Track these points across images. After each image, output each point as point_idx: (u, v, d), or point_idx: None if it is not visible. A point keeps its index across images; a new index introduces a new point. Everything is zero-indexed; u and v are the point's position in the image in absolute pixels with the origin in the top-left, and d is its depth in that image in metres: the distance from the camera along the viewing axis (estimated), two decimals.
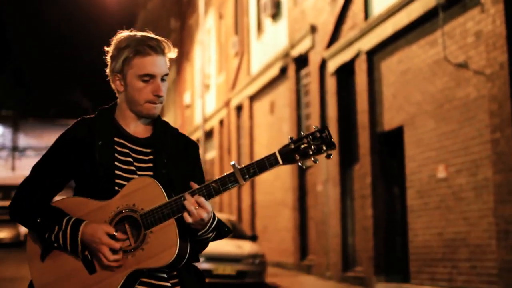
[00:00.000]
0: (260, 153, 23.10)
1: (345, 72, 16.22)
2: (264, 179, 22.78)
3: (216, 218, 3.37)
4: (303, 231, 18.87)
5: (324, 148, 3.22)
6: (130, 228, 3.28)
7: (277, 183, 21.42)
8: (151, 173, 3.39)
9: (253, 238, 17.06)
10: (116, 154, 3.41)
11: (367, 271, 14.56)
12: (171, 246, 3.22)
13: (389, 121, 14.18)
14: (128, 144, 3.44)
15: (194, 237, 3.33)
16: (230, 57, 27.19)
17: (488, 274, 10.85)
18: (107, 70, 3.49)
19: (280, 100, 21.39)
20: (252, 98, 24.13)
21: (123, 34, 3.46)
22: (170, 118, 40.15)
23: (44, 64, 68.72)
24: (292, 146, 3.23)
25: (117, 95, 3.52)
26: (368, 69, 14.84)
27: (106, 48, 3.48)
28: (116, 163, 3.39)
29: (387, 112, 14.24)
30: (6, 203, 43.10)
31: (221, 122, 28.49)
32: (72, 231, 3.28)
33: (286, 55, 20.00)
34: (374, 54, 14.78)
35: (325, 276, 16.76)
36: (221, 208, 27.53)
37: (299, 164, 3.25)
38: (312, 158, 3.24)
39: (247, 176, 3.23)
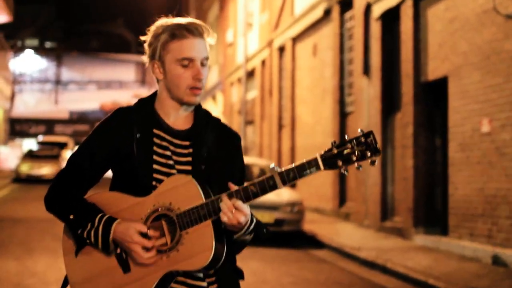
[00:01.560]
0: (302, 96, 22.91)
1: (390, 18, 15.82)
2: (304, 122, 22.62)
3: (255, 220, 3.23)
4: (343, 178, 18.71)
5: (369, 154, 3.02)
6: (167, 226, 3.17)
7: (317, 127, 21.24)
8: (189, 168, 3.26)
9: (292, 184, 16.93)
10: (154, 147, 3.27)
11: (406, 222, 14.40)
12: (206, 249, 3.11)
13: (433, 71, 13.84)
14: (167, 137, 3.29)
15: (231, 238, 3.22)
16: None
17: None
18: (145, 59, 3.33)
19: (323, 42, 21.05)
20: (295, 40, 23.80)
21: (160, 21, 3.30)
22: (212, 55, 39.95)
23: None
24: (335, 151, 3.05)
25: (157, 84, 3.36)
26: (414, 16, 14.45)
27: (143, 38, 3.33)
28: (155, 157, 3.26)
29: (432, 62, 13.89)
30: (49, 137, 43.74)
31: (263, 63, 28.22)
32: (104, 229, 3.18)
33: None
34: (421, 0, 14.36)
35: (363, 224, 16.65)
36: (261, 151, 27.48)
37: (342, 171, 3.07)
38: (356, 165, 3.05)
39: (286, 180, 3.07)
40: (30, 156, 36.34)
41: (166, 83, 3.27)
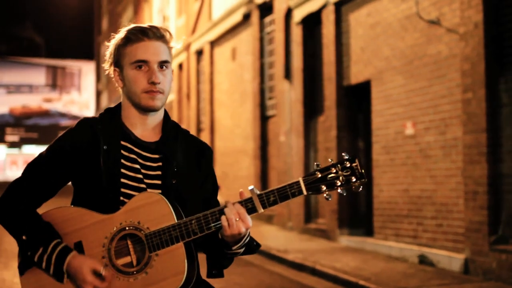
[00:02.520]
0: (221, 99, 22.93)
1: (312, 22, 16.00)
2: (224, 125, 22.65)
3: (248, 233, 3.15)
4: (264, 180, 18.81)
5: (354, 179, 2.99)
6: (133, 247, 3.03)
7: (237, 130, 21.30)
8: (159, 182, 3.14)
9: (216, 180, 16.88)
10: (122, 160, 3.14)
11: (330, 224, 14.59)
12: (177, 273, 2.98)
13: (356, 75, 14.07)
14: (135, 149, 3.17)
15: (223, 251, 3.13)
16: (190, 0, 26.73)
17: (454, 233, 10.92)
18: (106, 65, 3.23)
19: (242, 47, 21.11)
20: (213, 44, 23.79)
21: (123, 28, 3.21)
22: None
23: None
24: (319, 175, 3.00)
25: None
26: (335, 20, 14.64)
27: (108, 42, 3.24)
28: (123, 170, 3.12)
29: (355, 66, 14.12)
30: None
31: (180, 66, 28.12)
32: (58, 260, 3.01)
33: (249, 1, 19.67)
34: (343, 5, 14.57)
35: (286, 226, 16.78)
36: None
37: (325, 196, 3.02)
38: (339, 190, 3.01)
39: (266, 205, 2.99)
40: None
41: (126, 91, 3.16)
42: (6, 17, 60.36)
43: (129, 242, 3.02)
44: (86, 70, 54.42)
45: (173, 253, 2.99)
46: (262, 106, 19.19)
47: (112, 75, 3.22)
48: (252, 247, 3.22)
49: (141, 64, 3.09)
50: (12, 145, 52.49)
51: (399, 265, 11.36)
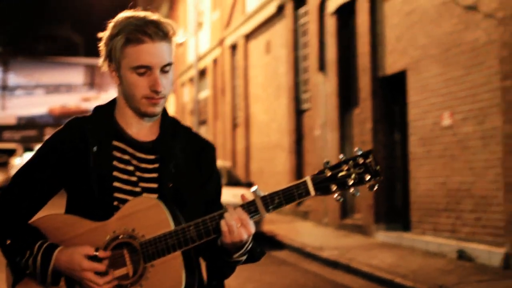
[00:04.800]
0: (255, 94, 22.64)
1: (346, 12, 15.61)
2: (259, 120, 22.38)
3: (252, 240, 2.81)
4: (300, 175, 18.47)
5: (368, 178, 2.65)
6: (129, 256, 2.73)
7: (273, 125, 21.00)
8: (155, 185, 2.83)
9: (249, 185, 16.63)
10: (114, 162, 2.84)
11: (366, 219, 14.20)
12: (174, 285, 2.69)
13: (391, 65, 13.65)
14: (130, 150, 2.86)
15: (224, 259, 2.82)
16: None
17: (494, 227, 10.47)
18: (101, 59, 2.89)
19: (276, 39, 20.80)
20: (247, 37, 23.52)
21: (120, 16, 2.85)
22: None
23: None
24: (328, 174, 2.67)
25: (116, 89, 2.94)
26: (370, 10, 14.24)
27: (100, 34, 2.87)
28: (115, 173, 2.82)
29: (390, 55, 13.70)
30: None
31: (215, 61, 27.89)
32: (44, 258, 2.73)
33: None
34: None
35: (322, 222, 16.43)
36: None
37: (335, 197, 2.68)
38: (352, 189, 2.67)
39: (270, 207, 2.68)
40: None
41: (122, 90, 2.85)
42: (44, 17, 60.86)
43: (125, 252, 2.73)
44: None
45: (170, 263, 2.71)
46: (297, 100, 18.87)
47: (108, 70, 2.89)
48: (256, 254, 2.91)
49: (142, 70, 2.77)
50: None
51: (437, 261, 10.94)
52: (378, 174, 2.65)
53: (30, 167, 2.89)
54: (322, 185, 2.66)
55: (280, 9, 19.86)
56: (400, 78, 13.40)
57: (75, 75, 54.30)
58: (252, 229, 2.70)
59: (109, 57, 2.84)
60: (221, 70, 26.81)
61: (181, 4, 34.97)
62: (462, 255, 10.92)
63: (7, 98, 53.09)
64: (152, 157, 2.86)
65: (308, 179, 2.67)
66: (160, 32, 2.77)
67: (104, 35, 2.85)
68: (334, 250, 12.55)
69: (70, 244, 2.76)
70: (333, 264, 11.83)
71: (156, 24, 2.78)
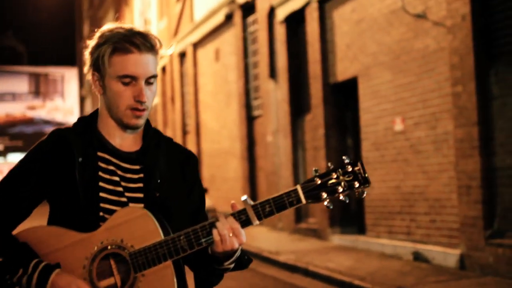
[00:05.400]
0: (206, 101, 22.74)
1: (295, 20, 15.84)
2: (209, 127, 22.47)
3: (240, 247, 2.89)
4: (253, 181, 18.64)
5: (357, 185, 2.73)
6: (116, 267, 2.77)
7: (224, 132, 21.12)
8: (141, 195, 2.87)
9: (203, 190, 16.71)
10: (100, 173, 2.86)
11: (321, 223, 14.44)
12: None
13: (342, 72, 13.92)
14: (114, 160, 2.90)
15: (213, 267, 2.89)
16: (171, 2, 26.51)
17: (448, 229, 10.78)
18: (86, 68, 2.93)
19: (225, 47, 20.93)
20: (196, 45, 23.60)
21: (107, 27, 2.90)
22: None
23: None
24: (318, 182, 2.74)
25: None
26: (319, 18, 14.49)
27: (88, 42, 2.92)
28: (101, 183, 2.85)
29: (340, 63, 13.97)
30: None
31: (164, 69, 27.91)
32: (40, 279, 2.73)
33: (231, 1, 19.48)
34: (326, 2, 14.42)
35: (277, 227, 16.61)
36: None
37: (326, 204, 2.77)
38: (342, 197, 2.76)
39: (262, 216, 2.76)
40: None
41: (106, 100, 2.88)
42: None
43: (111, 262, 2.76)
44: (69, 77, 54.02)
45: (161, 272, 2.75)
46: (248, 107, 19.02)
47: (91, 79, 2.94)
48: (244, 262, 2.99)
49: (128, 79, 2.82)
50: None
51: (394, 263, 11.21)
52: (367, 181, 2.74)
53: (13, 178, 2.89)
54: (313, 193, 2.72)
55: (229, 18, 19.97)
56: (351, 85, 13.66)
57: (19, 84, 53.56)
58: (244, 238, 2.76)
59: (94, 66, 2.87)
60: (170, 77, 26.84)
61: (128, 12, 34.88)
62: (417, 256, 11.21)
63: None
64: (136, 167, 2.89)
65: (298, 187, 2.73)
66: (147, 44, 2.82)
67: (90, 44, 2.89)
68: (291, 254, 12.74)
69: (57, 256, 2.77)
70: (291, 268, 12.02)
71: (143, 36, 2.83)
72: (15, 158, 50.93)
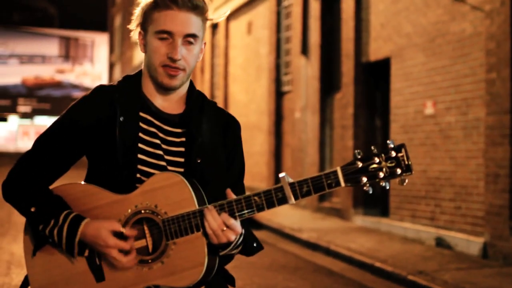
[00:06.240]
0: (235, 74, 22.66)
1: None
2: (238, 100, 22.42)
3: (243, 233, 2.82)
4: (278, 157, 18.60)
5: (399, 171, 2.63)
6: (150, 231, 2.74)
7: (252, 106, 21.06)
8: (181, 159, 2.83)
9: (244, 162, 16.64)
10: (140, 134, 2.82)
11: (345, 203, 14.36)
12: (197, 265, 2.70)
13: (375, 52, 13.76)
14: (156, 122, 2.86)
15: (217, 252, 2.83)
16: None
17: (473, 216, 10.66)
18: (132, 27, 2.92)
19: (258, 20, 20.81)
20: (229, 17, 23.47)
21: None
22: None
23: None
24: (359, 165, 2.65)
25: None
26: None
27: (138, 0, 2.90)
28: (140, 145, 2.82)
29: (374, 42, 13.81)
30: None
31: None
32: (70, 230, 2.72)
33: None
34: None
35: (300, 204, 16.56)
36: None
37: (365, 188, 2.68)
38: (382, 183, 2.67)
39: (298, 195, 2.69)
40: None
41: (147, 59, 2.86)
42: None
43: (145, 226, 2.74)
44: (99, 42, 54.15)
45: (193, 242, 2.72)
46: (278, 82, 18.93)
47: (137, 37, 2.92)
48: (250, 249, 2.96)
49: (164, 35, 2.78)
50: (24, 115, 52.40)
51: (416, 247, 11.13)
52: (410, 169, 2.65)
53: (54, 132, 2.88)
54: (353, 177, 2.65)
55: None
56: (383, 65, 13.52)
57: (50, 47, 53.83)
58: (239, 229, 2.71)
59: (140, 24, 2.87)
60: None
61: None
62: (440, 242, 11.11)
63: None
64: (178, 130, 2.88)
65: (338, 169, 2.66)
66: (189, 3, 2.78)
67: (140, 1, 2.88)
68: (313, 232, 12.69)
69: (90, 215, 2.76)
70: (312, 246, 11.97)
71: None
72: (42, 121, 51.30)
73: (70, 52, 54.11)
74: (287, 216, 15.23)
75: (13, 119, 52.47)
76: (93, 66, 54.50)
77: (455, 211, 11.11)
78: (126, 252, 2.72)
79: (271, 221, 14.29)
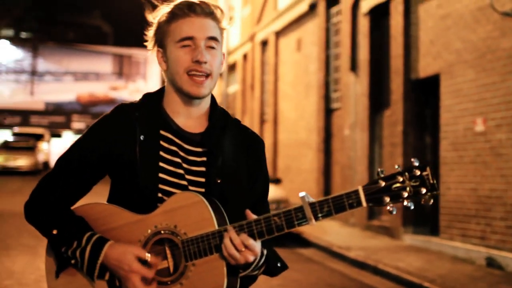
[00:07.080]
0: (285, 90, 22.63)
1: (379, 13, 15.56)
2: (287, 117, 22.37)
3: (265, 253, 2.72)
4: (327, 174, 18.48)
5: (423, 191, 2.50)
6: (171, 253, 2.69)
7: (301, 123, 20.99)
8: (202, 180, 2.76)
9: (277, 181, 16.62)
10: (161, 152, 2.77)
11: (394, 221, 14.18)
12: (215, 287, 2.62)
13: (424, 68, 13.60)
14: (177, 141, 2.79)
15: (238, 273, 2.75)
16: None
17: None
18: (149, 47, 2.88)
19: (307, 37, 20.77)
20: (278, 34, 23.51)
21: (165, 5, 2.85)
22: None
23: None
24: (382, 184, 2.53)
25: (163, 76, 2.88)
26: (404, 11, 14.19)
27: (149, 18, 2.87)
28: (161, 163, 2.76)
29: (423, 59, 13.65)
30: (25, 129, 43.12)
31: (245, 57, 27.89)
32: (93, 251, 2.68)
33: None
34: None
35: (349, 222, 16.42)
36: None
37: (388, 208, 2.56)
38: (406, 202, 2.54)
39: (319, 215, 2.57)
40: (5, 147, 35.78)
41: (169, 74, 2.80)
42: (75, 5, 61.02)
43: (166, 247, 2.69)
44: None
45: (212, 264, 2.64)
46: (327, 99, 18.84)
47: (156, 57, 2.87)
48: (273, 270, 2.85)
49: (186, 42, 2.73)
50: (78, 132, 53.04)
51: (466, 267, 10.92)
52: (435, 188, 2.52)
53: (74, 152, 2.84)
54: (375, 197, 2.54)
55: (312, 8, 19.81)
56: (433, 82, 13.35)
57: (103, 64, 54.46)
58: (258, 250, 2.62)
59: (156, 42, 2.83)
60: (251, 65, 26.81)
61: None
62: (491, 262, 10.89)
63: (35, 84, 53.31)
64: (199, 149, 2.80)
65: (360, 188, 2.54)
66: (206, 10, 2.75)
67: (153, 20, 2.85)
68: (361, 251, 12.55)
69: (110, 235, 2.72)
70: (360, 265, 11.83)
71: (203, 3, 2.78)
72: None
73: (124, 69, 54.68)
74: (336, 234, 15.10)
75: (67, 135, 53.15)
76: (146, 83, 54.97)
77: (506, 231, 10.88)
78: (147, 281, 2.67)
79: (320, 239, 14.18)
